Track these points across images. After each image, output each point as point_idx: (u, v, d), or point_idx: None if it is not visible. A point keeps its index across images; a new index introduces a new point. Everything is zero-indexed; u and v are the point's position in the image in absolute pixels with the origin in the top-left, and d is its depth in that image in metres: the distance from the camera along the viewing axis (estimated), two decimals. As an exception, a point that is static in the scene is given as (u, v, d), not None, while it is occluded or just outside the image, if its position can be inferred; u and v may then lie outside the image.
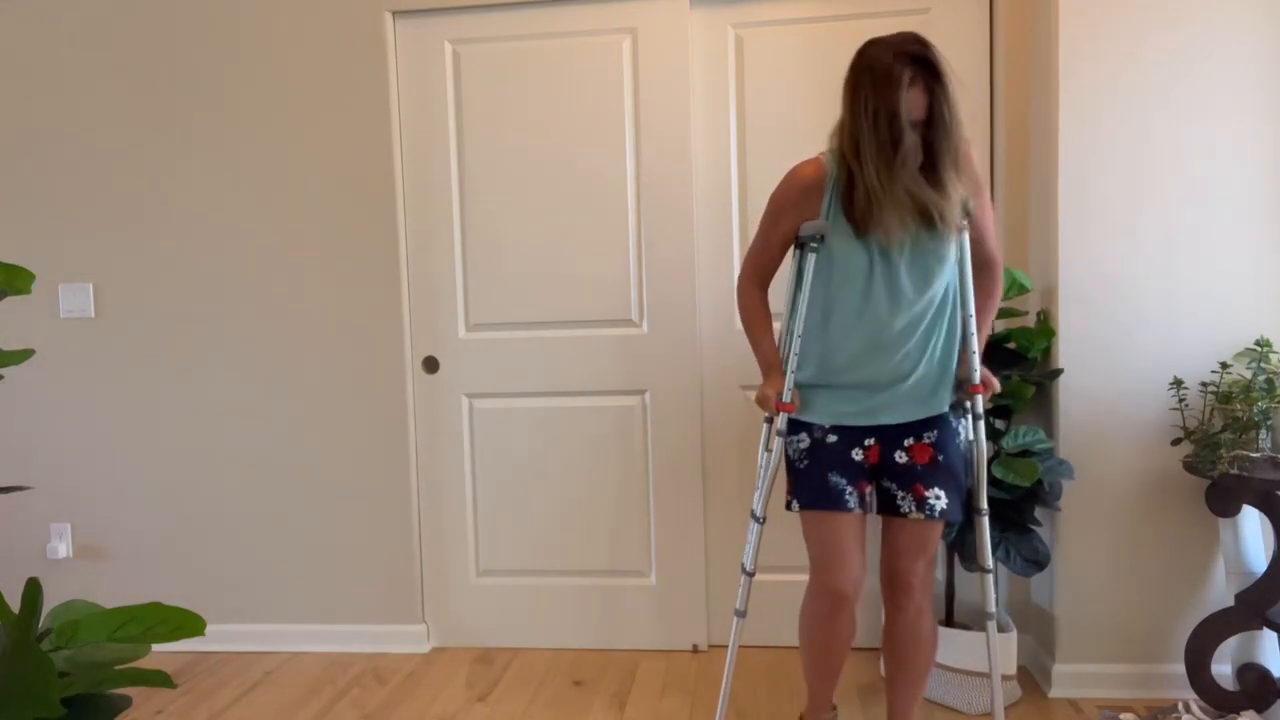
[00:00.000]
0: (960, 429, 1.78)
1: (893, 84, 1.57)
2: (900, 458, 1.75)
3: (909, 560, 1.77)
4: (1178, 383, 2.14)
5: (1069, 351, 2.23)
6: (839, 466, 1.74)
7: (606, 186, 2.58)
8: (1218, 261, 2.17)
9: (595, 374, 2.63)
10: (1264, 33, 2.13)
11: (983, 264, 1.80)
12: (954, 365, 1.75)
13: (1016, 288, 2.19)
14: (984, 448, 1.79)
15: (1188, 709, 2.07)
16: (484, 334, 2.67)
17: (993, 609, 1.80)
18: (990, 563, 1.82)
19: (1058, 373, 2.22)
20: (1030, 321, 2.41)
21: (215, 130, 2.68)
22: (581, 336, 2.62)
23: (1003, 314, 2.20)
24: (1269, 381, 2.01)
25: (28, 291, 1.31)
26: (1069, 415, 2.23)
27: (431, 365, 2.69)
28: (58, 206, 2.75)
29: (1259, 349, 2.06)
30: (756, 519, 1.87)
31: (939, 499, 1.72)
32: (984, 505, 1.80)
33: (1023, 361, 2.21)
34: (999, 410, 2.28)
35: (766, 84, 2.54)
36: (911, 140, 1.59)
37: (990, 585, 1.81)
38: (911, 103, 1.58)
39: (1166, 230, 2.18)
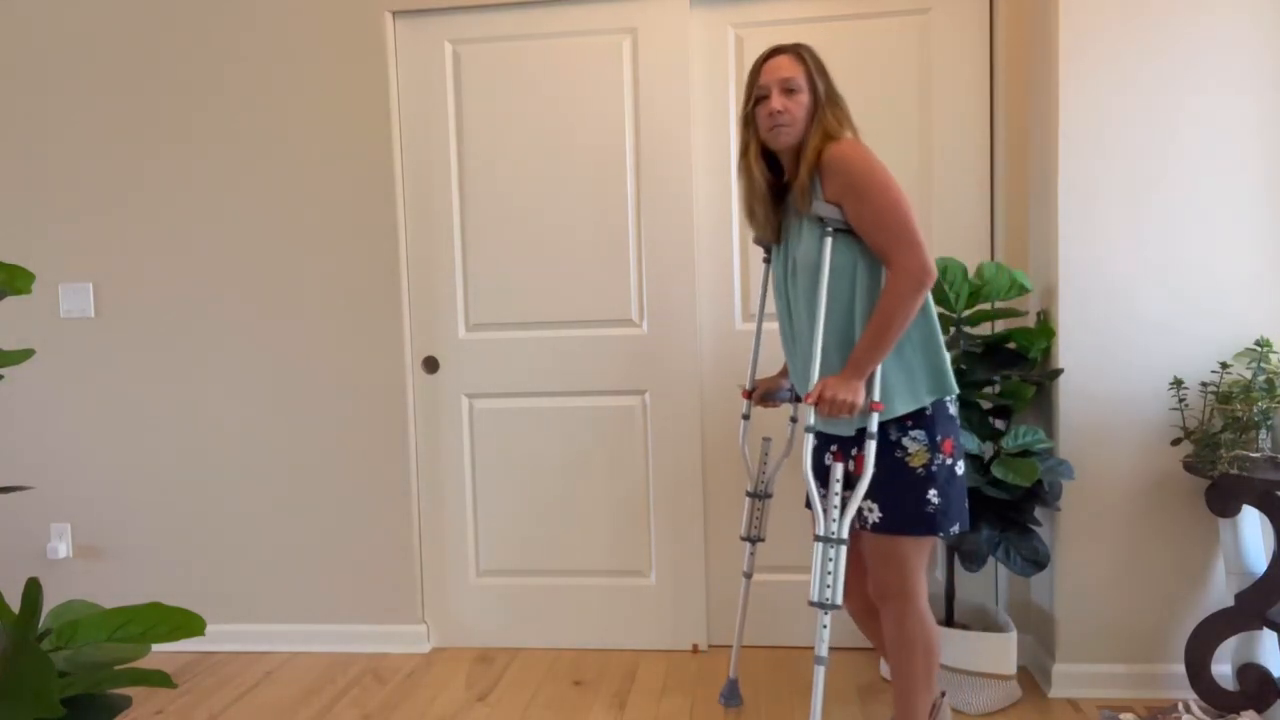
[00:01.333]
0: (904, 441, 1.71)
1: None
2: (851, 467, 1.77)
3: (871, 569, 1.80)
4: (1178, 383, 2.14)
5: (1069, 351, 2.23)
6: (814, 471, 1.83)
7: (606, 186, 2.58)
8: (1218, 261, 2.17)
9: (595, 374, 2.63)
10: (1264, 33, 2.13)
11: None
12: (812, 372, 1.72)
13: (1016, 288, 2.19)
14: (867, 469, 1.69)
15: (1188, 709, 2.07)
16: (484, 334, 2.67)
17: (823, 651, 1.71)
18: (825, 596, 1.68)
19: (1058, 373, 2.22)
20: (1030, 321, 2.41)
21: (215, 130, 2.68)
22: (581, 336, 2.62)
23: (1003, 314, 2.20)
24: (1269, 381, 2.01)
25: (28, 291, 1.31)
26: (1069, 415, 2.23)
27: (431, 365, 2.69)
28: (58, 206, 2.75)
29: (1259, 349, 2.06)
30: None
31: (871, 510, 1.73)
32: (843, 533, 1.69)
33: (1023, 361, 2.21)
34: (999, 410, 2.28)
35: (766, 84, 2.53)
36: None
37: (825, 625, 1.71)
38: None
39: (1166, 230, 2.18)
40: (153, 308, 2.74)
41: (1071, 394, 2.23)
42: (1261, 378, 2.02)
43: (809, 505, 1.79)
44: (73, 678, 1.15)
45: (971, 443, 2.12)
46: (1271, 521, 1.95)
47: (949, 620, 2.35)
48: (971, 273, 2.42)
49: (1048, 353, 2.29)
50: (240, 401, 2.73)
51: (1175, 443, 2.17)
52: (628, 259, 2.59)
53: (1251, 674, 2.05)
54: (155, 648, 2.85)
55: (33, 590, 1.16)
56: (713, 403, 2.62)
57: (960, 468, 1.75)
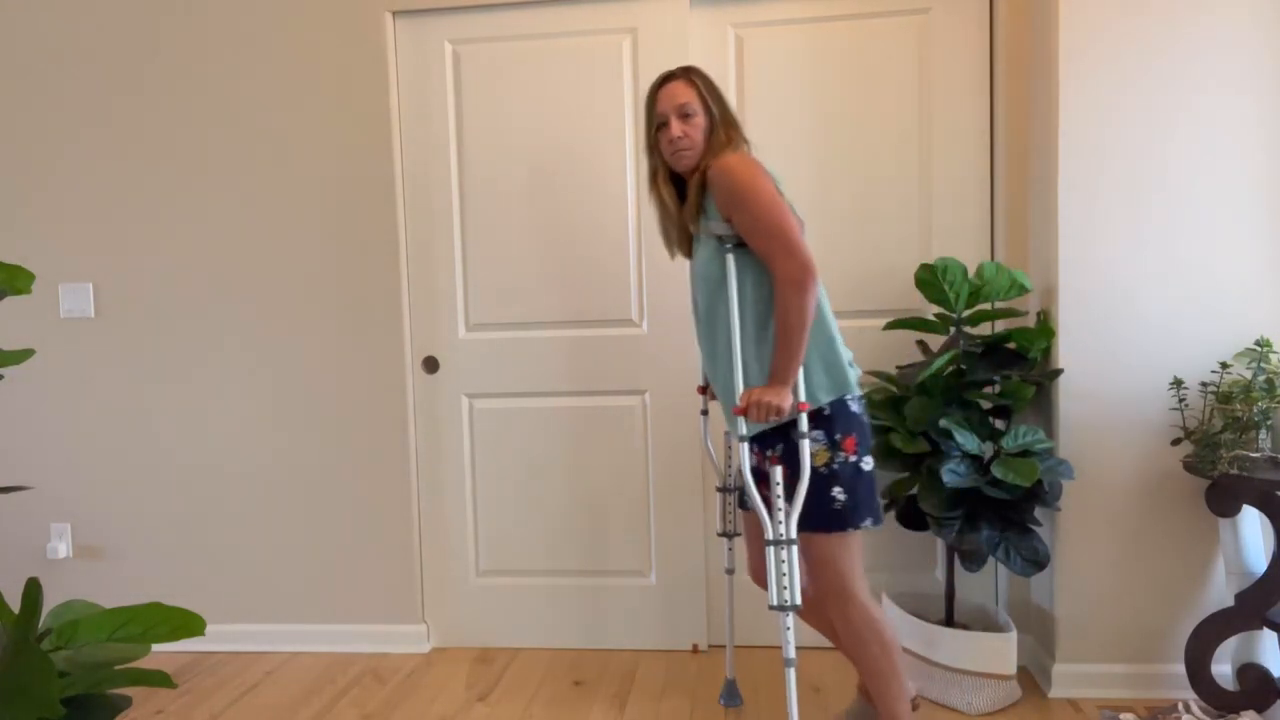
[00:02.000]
0: (802, 445, 1.75)
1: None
2: (767, 468, 1.82)
3: (807, 572, 1.87)
4: (1178, 383, 2.14)
5: (1069, 351, 2.23)
6: (751, 469, 1.88)
7: (606, 186, 2.58)
8: (1218, 261, 2.17)
9: (595, 374, 2.63)
10: (1264, 33, 2.13)
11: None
12: (737, 382, 1.79)
13: (1016, 288, 2.19)
14: (802, 468, 1.73)
15: (1188, 709, 2.07)
16: (484, 334, 2.67)
17: (791, 654, 1.73)
18: (784, 599, 1.71)
19: (1058, 373, 2.22)
20: (1030, 321, 2.41)
21: (215, 131, 2.68)
22: (581, 336, 2.62)
23: (1003, 314, 2.20)
24: (1269, 381, 2.01)
25: (28, 291, 1.31)
26: (1069, 415, 2.23)
27: (431, 365, 2.69)
28: (58, 206, 2.75)
29: (1259, 349, 2.06)
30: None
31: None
32: (791, 533, 1.73)
33: (1023, 361, 2.21)
34: (999, 410, 2.28)
35: (766, 84, 2.54)
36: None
37: (788, 626, 1.73)
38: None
39: (1166, 230, 2.18)
40: (153, 308, 2.74)
41: (1071, 394, 2.23)
42: (1261, 378, 2.02)
43: (743, 506, 1.92)
44: (73, 678, 1.15)
45: (971, 443, 2.12)
46: (1271, 521, 1.95)
47: (949, 620, 2.35)
48: (971, 273, 2.42)
49: (1048, 353, 2.29)
50: (240, 401, 2.73)
51: (1175, 443, 2.17)
52: (628, 259, 2.59)
53: (1251, 674, 2.05)
54: (155, 648, 2.85)
55: (33, 590, 1.16)
56: (713, 402, 2.62)
57: (867, 464, 1.78)
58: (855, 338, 2.54)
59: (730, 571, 2.24)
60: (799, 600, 1.72)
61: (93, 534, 2.82)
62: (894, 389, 2.35)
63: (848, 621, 1.78)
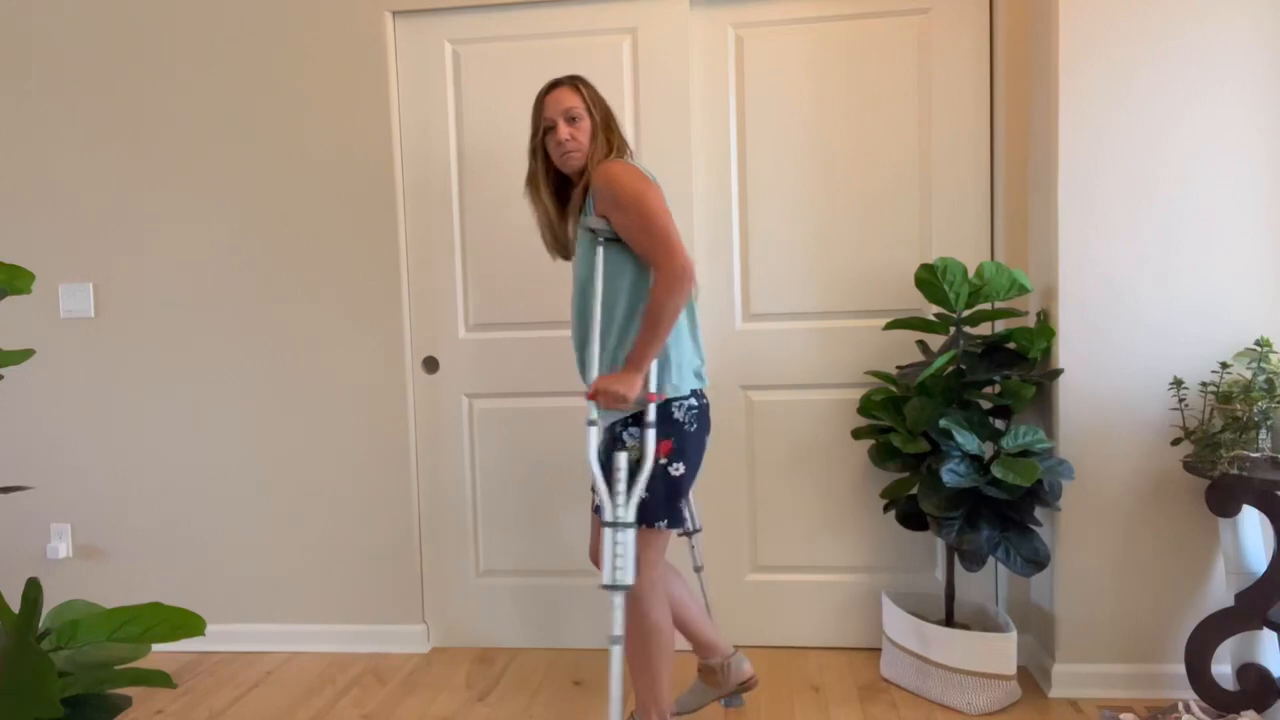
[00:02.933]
0: (624, 436, 1.87)
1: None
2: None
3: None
4: (1178, 383, 2.14)
5: (1069, 351, 2.23)
6: (600, 460, 1.94)
7: (606, 186, 2.58)
8: (1218, 261, 2.17)
9: (595, 374, 2.62)
10: (1264, 33, 2.13)
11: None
12: (593, 371, 1.88)
13: (1016, 288, 2.19)
14: (644, 457, 1.81)
15: (1188, 709, 2.07)
16: (484, 334, 2.67)
17: (618, 631, 1.79)
18: (615, 579, 1.77)
19: (1058, 373, 2.22)
20: (1030, 321, 2.41)
21: (215, 131, 2.68)
22: (581, 336, 2.62)
23: (1003, 314, 2.20)
24: (1269, 381, 2.01)
25: (28, 291, 1.31)
26: (1069, 415, 2.23)
27: (431, 365, 2.69)
28: (58, 206, 2.75)
29: (1259, 349, 2.06)
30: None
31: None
32: (629, 518, 1.80)
33: (1023, 361, 2.21)
34: (999, 410, 2.28)
35: (766, 84, 2.54)
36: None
37: (617, 605, 1.78)
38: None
39: (1166, 230, 2.18)
40: (153, 308, 2.74)
41: (1071, 394, 2.23)
42: (1261, 378, 2.02)
43: (595, 490, 1.92)
44: (73, 678, 1.15)
45: (971, 443, 2.12)
46: (1271, 521, 1.95)
47: (949, 620, 2.35)
48: (971, 273, 2.42)
49: (1048, 353, 2.29)
50: (240, 401, 2.73)
51: (1175, 443, 2.17)
52: (628, 259, 2.59)
53: (1251, 674, 2.05)
54: (155, 648, 2.85)
55: (33, 590, 1.16)
56: (713, 403, 2.62)
57: (677, 470, 1.85)
58: (855, 338, 2.55)
59: (699, 569, 2.32)
60: (630, 580, 1.78)
61: (93, 534, 2.82)
62: (894, 389, 2.35)
63: (631, 610, 1.90)
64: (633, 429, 1.87)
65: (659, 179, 2.55)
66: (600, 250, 1.88)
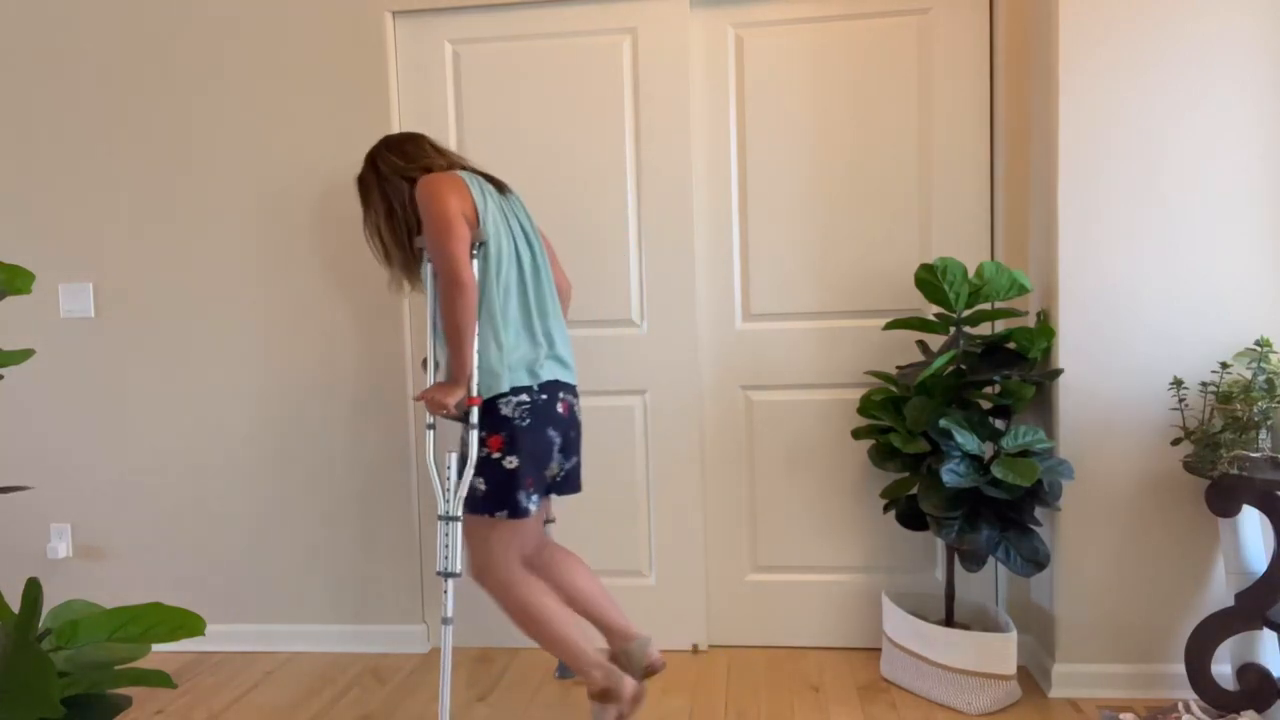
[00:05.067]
0: (471, 435, 1.99)
1: None
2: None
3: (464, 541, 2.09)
4: (1178, 383, 2.14)
5: (1069, 351, 2.23)
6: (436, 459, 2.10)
7: (606, 186, 2.58)
8: (1218, 261, 2.17)
9: (595, 374, 2.63)
10: (1265, 35, 2.13)
11: None
12: (434, 376, 2.03)
13: (1016, 288, 2.19)
14: (466, 455, 1.98)
15: (1188, 709, 2.07)
16: (484, 334, 2.67)
17: (448, 614, 1.97)
18: (445, 566, 1.97)
19: (1058, 373, 2.22)
20: (1030, 321, 2.41)
21: (216, 130, 2.68)
22: (581, 336, 2.62)
23: (1003, 314, 2.20)
24: (1269, 381, 2.01)
25: (28, 291, 1.31)
26: (1069, 415, 2.23)
27: (431, 365, 2.69)
28: (58, 206, 2.75)
29: (1259, 349, 2.06)
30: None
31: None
32: (456, 511, 1.98)
33: (1023, 361, 2.21)
34: (999, 410, 2.28)
35: (766, 84, 2.54)
36: None
37: (448, 591, 1.97)
38: None
39: (1166, 230, 2.18)
40: (153, 308, 2.74)
41: (1071, 394, 2.23)
42: (1261, 378, 2.02)
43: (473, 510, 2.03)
44: (73, 678, 1.15)
45: (971, 443, 2.12)
46: (1271, 521, 1.95)
47: (949, 620, 2.35)
48: (971, 273, 2.42)
49: (1048, 353, 2.29)
50: (240, 401, 2.73)
51: (1175, 443, 2.17)
52: (628, 259, 2.59)
53: (1251, 674, 2.05)
54: (155, 648, 2.85)
55: (33, 590, 1.16)
56: (713, 403, 2.63)
57: (511, 463, 1.96)
58: (855, 338, 2.55)
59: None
60: (458, 568, 1.97)
61: (93, 534, 2.82)
62: (894, 389, 2.35)
63: (495, 596, 2.05)
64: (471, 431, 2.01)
65: (662, 180, 2.55)
66: (428, 268, 2.03)
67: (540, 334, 2.04)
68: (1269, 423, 2.03)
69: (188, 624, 1.22)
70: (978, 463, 2.16)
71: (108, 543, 2.82)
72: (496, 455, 1.97)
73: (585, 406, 2.65)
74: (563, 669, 2.49)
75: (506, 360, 1.97)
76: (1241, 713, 2.02)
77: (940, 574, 2.57)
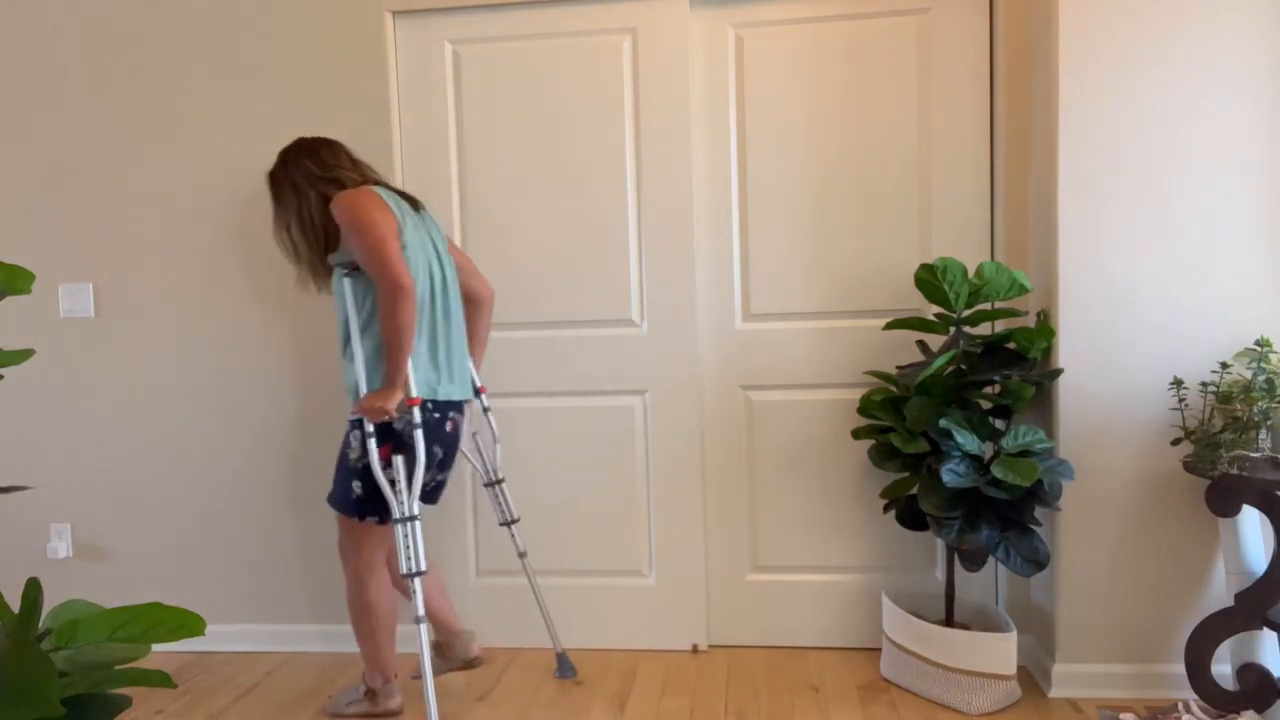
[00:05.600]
0: (350, 437, 2.08)
1: None
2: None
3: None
4: (1178, 383, 2.14)
5: (1069, 351, 2.23)
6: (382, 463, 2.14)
7: (606, 186, 2.58)
8: (1218, 261, 2.17)
9: (595, 374, 2.63)
10: (1264, 33, 2.13)
11: None
12: (362, 389, 2.06)
13: (1016, 288, 2.19)
14: (416, 456, 2.03)
15: (1188, 709, 2.07)
16: (484, 334, 2.67)
17: (421, 614, 2.02)
18: (409, 567, 2.01)
19: (1058, 373, 2.22)
20: (1030, 321, 2.41)
21: (215, 130, 2.68)
22: (581, 336, 2.62)
23: (1003, 314, 2.20)
24: (1269, 381, 2.01)
25: (28, 291, 1.31)
26: (1069, 415, 2.23)
27: (431, 365, 2.69)
28: (58, 206, 2.75)
29: (1259, 349, 2.06)
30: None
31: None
32: (413, 510, 2.03)
33: (1023, 361, 2.21)
34: (999, 410, 2.28)
35: (766, 84, 2.54)
36: None
37: (413, 589, 2.02)
38: None
39: (1166, 230, 2.18)
40: (153, 308, 2.74)
41: (1071, 394, 2.23)
42: (1261, 378, 2.02)
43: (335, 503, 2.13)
44: (73, 678, 1.15)
45: (971, 443, 2.12)
46: (1271, 521, 1.95)
47: (949, 620, 2.35)
48: (971, 273, 2.42)
49: (1048, 353, 2.29)
50: (240, 401, 2.73)
51: (1175, 443, 2.17)
52: (628, 259, 2.59)
53: (1251, 674, 2.05)
54: (155, 648, 2.85)
55: (33, 590, 1.16)
56: (713, 403, 2.63)
57: (390, 475, 2.04)
58: (855, 338, 2.55)
59: (523, 555, 2.45)
60: (424, 566, 2.01)
61: (93, 534, 2.82)
62: (894, 389, 2.35)
63: (347, 581, 2.17)
64: (356, 432, 2.07)
65: (662, 180, 2.55)
66: (347, 281, 2.07)
67: (442, 352, 2.12)
68: (1269, 423, 2.03)
69: (188, 624, 1.22)
70: (978, 463, 2.16)
71: (108, 543, 2.82)
72: (383, 464, 2.04)
73: (585, 406, 2.65)
74: (562, 668, 2.49)
75: (417, 380, 2.06)
76: (1241, 713, 2.02)
77: (940, 574, 2.57)
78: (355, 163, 2.18)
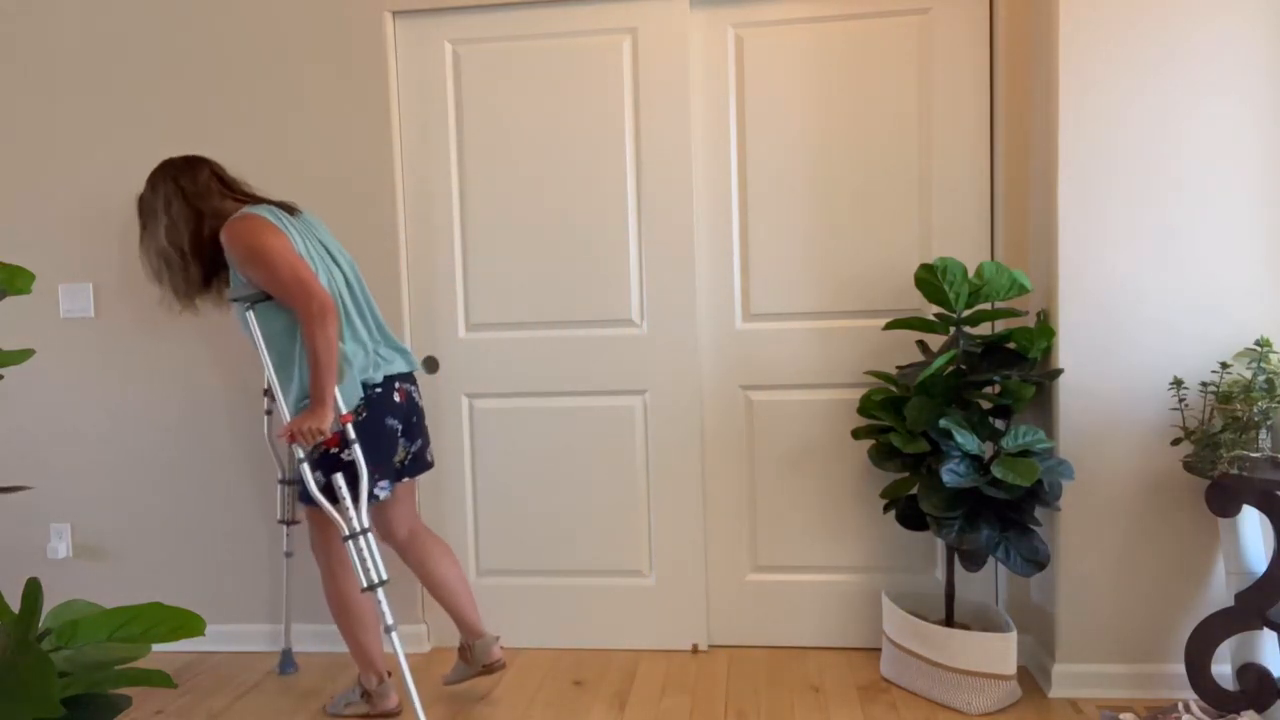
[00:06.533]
0: (354, 449, 2.07)
1: None
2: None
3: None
4: (1178, 383, 2.14)
5: (1069, 351, 2.23)
6: (324, 489, 2.15)
7: (606, 186, 2.58)
8: (1218, 261, 2.17)
9: (595, 374, 2.63)
10: (1264, 34, 2.13)
11: None
12: (287, 416, 2.06)
13: (1016, 288, 2.19)
14: (359, 471, 2.05)
15: (1188, 709, 2.07)
16: (484, 334, 2.67)
17: (390, 622, 2.02)
18: (371, 579, 2.00)
19: (1058, 373, 2.22)
20: (1030, 321, 2.41)
21: (215, 130, 2.68)
22: (581, 336, 2.62)
23: (1003, 314, 2.20)
24: (1269, 381, 2.01)
25: (28, 291, 1.31)
26: (1069, 415, 2.23)
27: (431, 365, 2.69)
28: (58, 206, 2.75)
29: (1259, 349, 2.06)
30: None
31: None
32: (364, 523, 2.03)
33: (1023, 361, 2.21)
34: (999, 410, 2.28)
35: (766, 84, 2.54)
36: None
37: (378, 599, 2.03)
38: None
39: (1166, 230, 2.18)
40: (153, 308, 2.74)
41: (1071, 394, 2.23)
42: (1261, 378, 2.02)
43: (305, 502, 2.10)
44: (73, 678, 1.15)
45: (971, 443, 2.12)
46: (1271, 521, 1.95)
47: (949, 620, 2.35)
48: (971, 273, 2.42)
49: (1048, 353, 2.29)
50: (240, 401, 2.73)
51: (1175, 443, 2.17)
52: (628, 259, 2.59)
53: (1251, 674, 2.05)
54: (155, 648, 2.85)
55: (33, 590, 1.16)
56: (713, 403, 2.63)
57: (348, 455, 2.05)
58: (855, 337, 2.55)
59: (289, 555, 2.60)
60: (384, 576, 2.01)
61: (93, 534, 2.82)
62: (894, 389, 2.35)
63: (322, 576, 2.19)
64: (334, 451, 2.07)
65: (662, 180, 2.55)
66: (250, 314, 2.06)
67: (367, 339, 2.14)
68: (1269, 423, 2.03)
69: (188, 624, 1.22)
70: (978, 463, 2.16)
71: (108, 543, 2.82)
72: (335, 450, 2.06)
73: (585, 406, 2.65)
74: (286, 664, 2.61)
75: (351, 372, 2.07)
76: (1241, 713, 2.02)
77: (940, 574, 2.57)
78: (225, 181, 2.16)
